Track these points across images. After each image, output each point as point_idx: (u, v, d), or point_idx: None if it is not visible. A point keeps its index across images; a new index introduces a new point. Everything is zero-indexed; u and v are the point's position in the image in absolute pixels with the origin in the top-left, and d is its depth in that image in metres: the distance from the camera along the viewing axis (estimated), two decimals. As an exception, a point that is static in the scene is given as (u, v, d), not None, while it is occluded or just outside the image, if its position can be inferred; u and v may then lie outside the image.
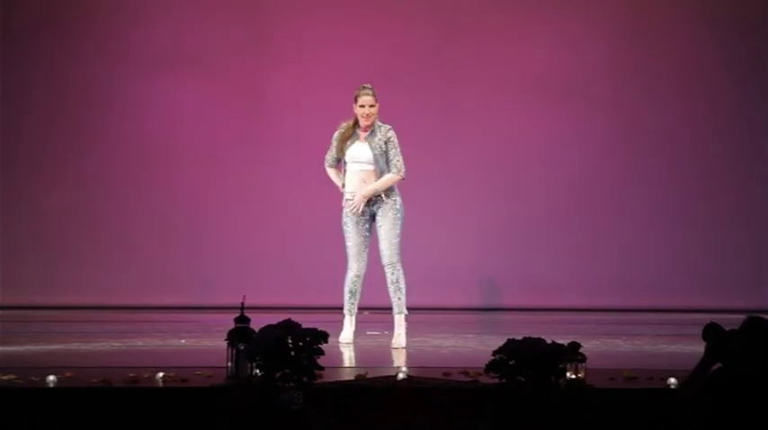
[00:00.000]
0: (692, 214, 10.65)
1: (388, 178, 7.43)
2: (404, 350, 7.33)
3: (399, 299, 7.47)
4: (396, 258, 7.45)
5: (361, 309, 7.79)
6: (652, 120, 10.68)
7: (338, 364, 6.43)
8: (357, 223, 7.49)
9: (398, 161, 7.44)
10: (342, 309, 7.67)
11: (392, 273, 7.47)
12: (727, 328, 4.52)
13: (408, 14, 10.72)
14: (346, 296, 7.57)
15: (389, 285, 7.49)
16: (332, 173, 7.66)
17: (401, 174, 7.44)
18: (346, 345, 7.48)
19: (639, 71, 10.69)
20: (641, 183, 10.68)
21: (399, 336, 7.47)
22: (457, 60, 10.71)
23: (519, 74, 10.66)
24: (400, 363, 5.37)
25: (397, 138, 7.50)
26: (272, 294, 9.75)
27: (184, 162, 10.60)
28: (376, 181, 7.43)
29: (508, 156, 10.66)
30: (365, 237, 7.52)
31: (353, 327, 7.63)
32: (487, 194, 10.64)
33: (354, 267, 7.51)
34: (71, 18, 10.69)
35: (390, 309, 7.57)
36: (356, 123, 7.51)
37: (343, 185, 7.55)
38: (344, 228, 7.54)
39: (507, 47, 10.70)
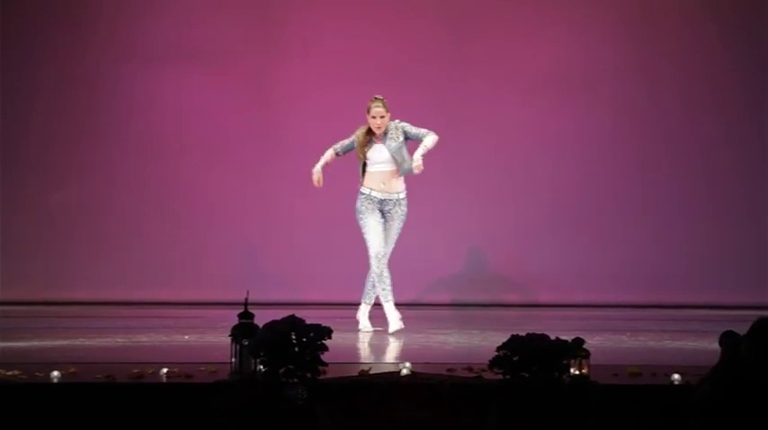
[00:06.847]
0: (696, 211, 10.64)
1: (432, 139, 8.01)
2: (405, 344, 7.48)
3: (384, 290, 7.90)
4: (389, 256, 8.00)
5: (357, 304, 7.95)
6: (658, 117, 10.67)
7: (342, 360, 6.43)
8: (372, 211, 7.97)
9: (422, 130, 8.05)
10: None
11: (382, 268, 7.92)
12: (734, 327, 4.48)
13: (415, 11, 10.72)
14: (377, 281, 7.93)
15: (374, 277, 7.95)
16: (328, 154, 8.16)
17: (432, 132, 8.02)
18: (367, 335, 7.85)
19: (645, 69, 10.68)
20: (646, 180, 10.67)
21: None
22: (464, 57, 10.71)
23: (524, 71, 10.65)
24: (404, 359, 5.36)
25: (406, 122, 8.07)
26: (276, 290, 9.76)
27: (191, 157, 10.60)
28: (393, 178, 8.00)
29: (513, 152, 10.66)
30: (379, 221, 7.97)
31: (396, 314, 7.94)
32: (492, 191, 10.63)
33: (376, 245, 7.94)
34: (78, 13, 10.69)
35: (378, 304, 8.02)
36: (369, 129, 8.04)
37: (326, 163, 8.12)
38: (360, 217, 8.00)
39: (513, 44, 10.69)
